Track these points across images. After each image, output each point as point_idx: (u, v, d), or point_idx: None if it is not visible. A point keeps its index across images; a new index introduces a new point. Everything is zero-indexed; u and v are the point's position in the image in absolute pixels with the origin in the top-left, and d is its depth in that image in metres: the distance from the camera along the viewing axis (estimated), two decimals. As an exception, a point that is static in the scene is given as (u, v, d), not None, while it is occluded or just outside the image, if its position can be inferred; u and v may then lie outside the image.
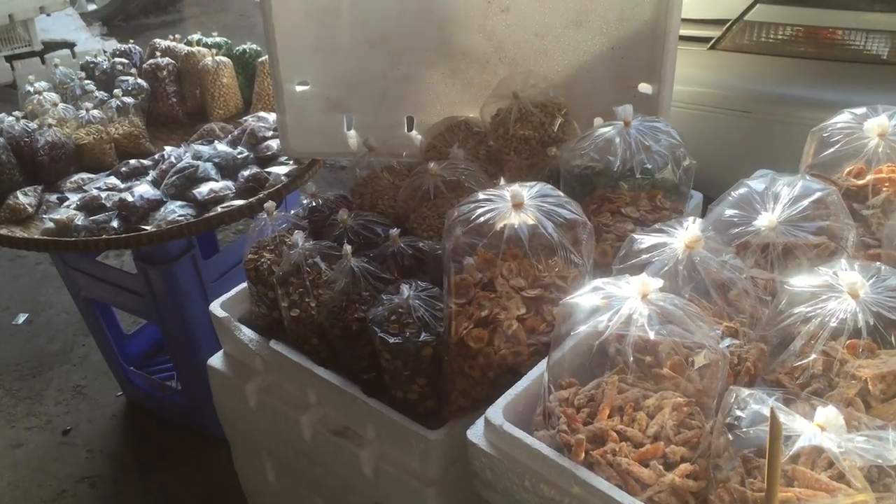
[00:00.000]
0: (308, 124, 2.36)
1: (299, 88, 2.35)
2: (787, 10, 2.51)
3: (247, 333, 1.87)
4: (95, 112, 2.60)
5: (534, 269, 1.54)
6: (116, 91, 2.69)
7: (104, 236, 2.17)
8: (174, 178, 2.36)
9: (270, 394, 1.85)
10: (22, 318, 3.51)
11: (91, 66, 2.92)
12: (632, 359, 1.25)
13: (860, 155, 1.58)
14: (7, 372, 3.22)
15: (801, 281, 1.26)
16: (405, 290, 1.61)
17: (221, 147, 2.50)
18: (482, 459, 1.34)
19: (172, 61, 2.86)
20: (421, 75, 2.33)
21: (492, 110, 2.17)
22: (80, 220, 2.24)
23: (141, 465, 2.77)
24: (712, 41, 2.61)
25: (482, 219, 1.45)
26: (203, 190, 2.32)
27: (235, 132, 2.62)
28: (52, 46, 5.98)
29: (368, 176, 2.17)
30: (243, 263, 1.90)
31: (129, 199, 2.28)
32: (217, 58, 2.81)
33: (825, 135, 1.62)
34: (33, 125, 2.56)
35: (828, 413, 1.01)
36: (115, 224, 2.24)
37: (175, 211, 2.26)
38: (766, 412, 1.08)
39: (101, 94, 2.75)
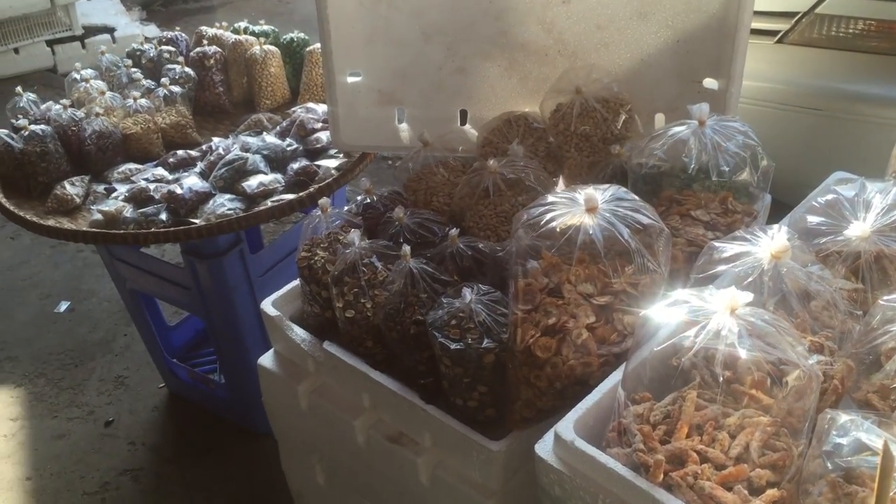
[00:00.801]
0: (359, 117, 2.33)
1: (351, 80, 2.31)
2: (859, 3, 2.42)
3: (299, 333, 1.84)
4: (143, 101, 2.59)
5: (603, 274, 1.49)
6: (164, 80, 2.67)
7: (153, 229, 2.15)
8: (223, 170, 2.34)
9: (323, 396, 1.82)
10: (64, 307, 3.52)
11: (137, 53, 2.91)
12: (719, 377, 1.19)
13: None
14: (49, 361, 3.24)
15: (897, 296, 1.20)
16: (467, 293, 1.56)
17: (270, 139, 2.47)
18: (551, 476, 1.30)
19: (219, 50, 2.83)
20: (476, 68, 2.28)
21: (551, 105, 2.11)
22: (128, 212, 2.23)
23: (183, 459, 2.76)
24: (780, 34, 2.53)
25: (554, 223, 1.40)
26: (252, 183, 2.29)
27: (284, 123, 2.59)
28: (92, 31, 6.01)
29: (422, 171, 2.13)
30: (296, 261, 1.87)
31: (178, 191, 2.26)
32: (265, 47, 2.78)
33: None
34: (80, 114, 2.55)
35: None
36: (163, 217, 2.22)
37: (224, 204, 2.23)
38: (868, 440, 1.03)
39: (147, 83, 2.73)
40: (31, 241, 3.93)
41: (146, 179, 2.39)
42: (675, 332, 1.16)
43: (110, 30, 6.05)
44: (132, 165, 2.49)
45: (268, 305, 1.89)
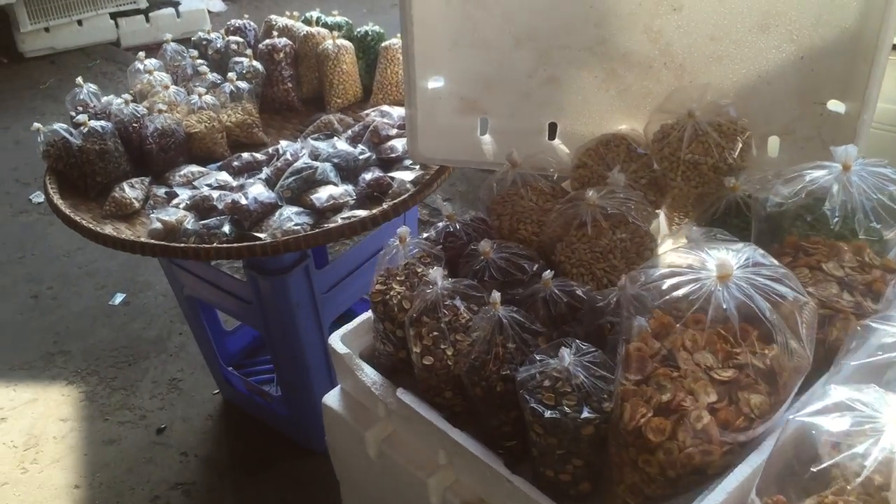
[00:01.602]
0: (439, 125, 2.16)
1: (431, 85, 2.14)
2: None
3: (370, 375, 1.69)
4: (208, 98, 2.45)
5: (723, 341, 1.30)
6: (230, 74, 2.53)
7: (215, 244, 2.02)
8: (290, 179, 2.19)
9: (393, 446, 1.67)
10: (119, 299, 3.45)
11: (203, 43, 2.77)
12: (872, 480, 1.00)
13: None
14: (102, 358, 3.16)
15: None
16: (566, 355, 1.39)
17: (341, 145, 2.31)
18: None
19: (290, 42, 2.68)
20: (570, 77, 2.09)
21: (655, 126, 1.91)
22: (189, 222, 2.09)
23: (237, 474, 2.66)
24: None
25: (679, 292, 1.21)
26: (322, 195, 2.14)
27: (356, 128, 2.43)
28: (156, 4, 5.92)
29: (507, 194, 1.95)
30: (370, 294, 1.71)
31: (243, 201, 2.12)
32: (338, 41, 2.62)
33: None
34: (143, 109, 2.42)
35: None
36: (226, 229, 2.08)
37: (291, 218, 2.09)
38: None
39: (213, 77, 2.60)
40: (89, 227, 3.87)
41: (209, 185, 2.26)
42: (838, 443, 0.97)
43: (175, 3, 5.96)
44: (195, 168, 2.36)
45: (336, 341, 1.74)
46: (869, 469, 0.95)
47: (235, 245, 2.00)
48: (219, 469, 2.68)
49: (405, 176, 2.24)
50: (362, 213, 2.11)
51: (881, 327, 1.14)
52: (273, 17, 2.86)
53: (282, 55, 2.65)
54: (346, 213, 2.12)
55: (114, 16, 5.84)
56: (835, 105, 1.89)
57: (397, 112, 2.46)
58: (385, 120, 2.41)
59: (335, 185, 2.22)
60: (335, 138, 2.42)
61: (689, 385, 1.29)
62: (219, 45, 2.70)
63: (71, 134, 2.34)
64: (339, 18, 2.80)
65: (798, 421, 1.03)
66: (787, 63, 1.90)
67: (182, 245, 2.01)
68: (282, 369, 2.52)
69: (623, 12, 1.97)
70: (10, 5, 5.45)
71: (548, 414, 1.36)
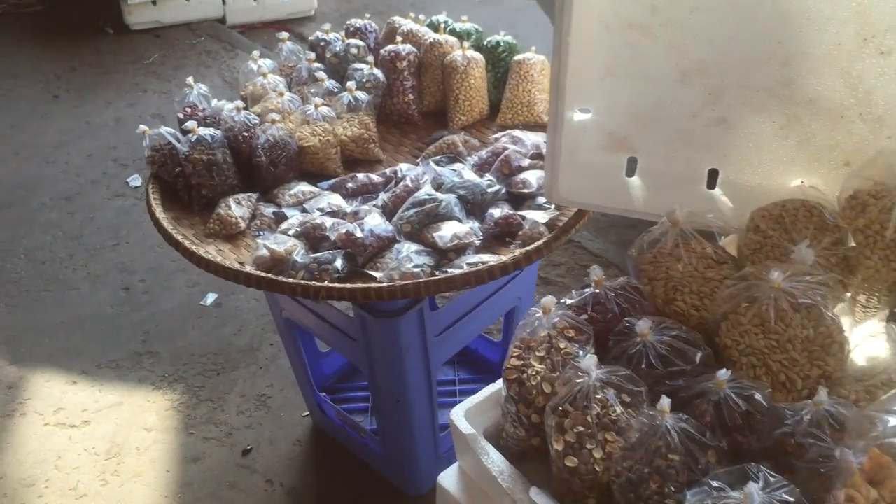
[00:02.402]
0: (580, 162, 1.93)
1: (577, 117, 1.90)
2: None
3: (497, 462, 1.48)
4: (325, 109, 2.26)
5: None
6: (350, 84, 2.33)
7: (327, 283, 1.83)
8: (411, 212, 1.98)
9: (520, 549, 1.45)
10: (211, 299, 3.32)
11: (321, 44, 2.58)
12: None
13: None
14: (191, 363, 3.04)
15: None
16: (754, 494, 1.14)
17: (468, 175, 2.09)
18: None
19: (414, 50, 2.47)
20: (743, 120, 1.83)
21: (849, 191, 1.63)
22: (299, 254, 1.91)
23: (323, 512, 2.50)
24: None
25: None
26: (445, 234, 1.93)
27: (483, 153, 2.20)
28: (265, -16, 5.79)
29: (661, 254, 1.71)
30: (504, 369, 1.50)
31: (358, 234, 1.92)
32: (468, 53, 2.39)
33: None
34: (255, 118, 2.25)
35: None
36: (338, 264, 1.89)
37: (411, 258, 1.88)
38: None
39: (330, 84, 2.40)
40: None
41: (321, 210, 2.07)
42: None
43: (284, -18, 5.83)
44: (305, 187, 2.18)
45: (460, 418, 1.53)
46: None
47: (349, 286, 1.81)
48: (305, 503, 2.52)
49: (538, 216, 2.00)
50: (490, 258, 1.89)
51: None
52: (397, 18, 2.65)
53: (405, 63, 2.44)
54: (471, 258, 1.90)
55: (221, -9, 5.75)
56: None
57: (531, 139, 2.23)
58: (517, 148, 2.18)
59: (459, 220, 2.00)
60: (460, 164, 2.20)
61: (920, 560, 1.04)
62: (338, 49, 2.50)
63: (178, 139, 2.19)
64: (468, 25, 2.57)
65: None
66: None
67: (290, 281, 1.83)
68: (382, 409, 2.33)
69: (817, 52, 1.69)
70: (120, -24, 5.41)
71: (729, 567, 1.12)
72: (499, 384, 1.63)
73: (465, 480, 1.58)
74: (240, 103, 2.25)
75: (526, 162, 2.15)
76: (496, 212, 2.03)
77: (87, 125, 4.58)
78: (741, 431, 1.35)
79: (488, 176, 2.14)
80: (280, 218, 2.11)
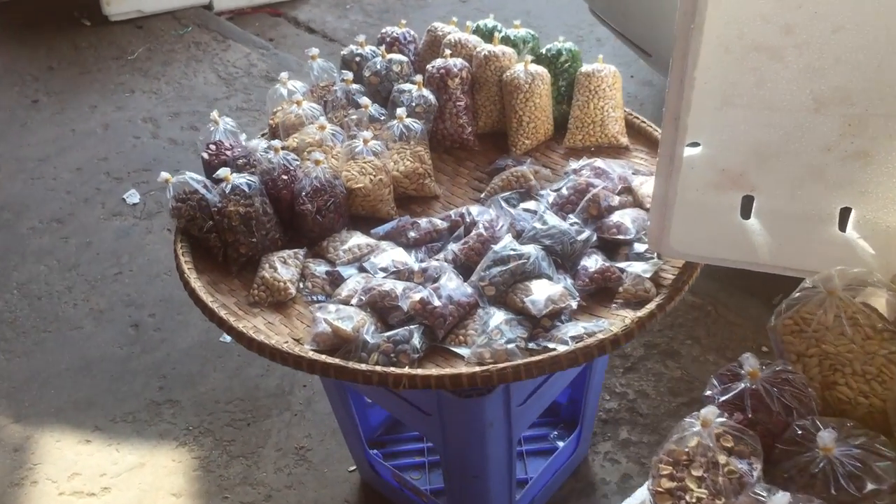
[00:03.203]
0: (689, 205, 1.66)
1: (686, 152, 1.63)
2: None
3: None
4: (375, 143, 1.96)
5: None
6: (400, 111, 2.03)
7: (407, 370, 1.56)
8: (494, 271, 1.71)
9: None
10: (231, 335, 3.03)
11: (356, 60, 2.27)
12: None
13: None
14: (216, 413, 2.77)
15: None
16: None
17: (552, 219, 1.82)
18: None
19: (466, 65, 2.17)
20: (888, 154, 1.56)
21: None
22: (369, 331, 1.64)
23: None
24: None
25: None
26: (538, 298, 1.66)
27: (564, 190, 1.93)
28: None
29: (804, 318, 1.46)
30: (652, 493, 1.25)
31: (435, 302, 1.65)
32: (531, 67, 2.10)
33: None
34: (293, 157, 1.95)
35: None
36: (416, 342, 1.63)
37: (501, 331, 1.61)
38: None
39: (375, 111, 2.11)
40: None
41: (384, 270, 1.79)
42: None
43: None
44: (361, 239, 1.89)
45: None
46: None
47: (435, 374, 1.54)
48: (362, 577, 2.28)
49: (640, 269, 1.74)
50: (594, 327, 1.62)
51: None
52: (439, 26, 2.34)
53: (457, 81, 2.14)
54: (572, 326, 1.63)
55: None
56: None
57: (616, 171, 1.95)
58: (605, 182, 1.90)
59: (549, 278, 1.73)
60: (534, 203, 1.92)
61: None
62: (378, 67, 2.19)
63: (208, 189, 1.89)
64: (522, 32, 2.27)
65: None
66: None
67: (365, 369, 1.56)
68: (455, 483, 2.07)
69: None
70: (95, -38, 5.01)
71: None
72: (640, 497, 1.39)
73: None
74: (277, 143, 1.94)
75: (616, 200, 1.88)
76: (590, 264, 1.76)
77: (72, 134, 4.23)
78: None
79: (572, 218, 1.87)
80: (335, 279, 1.83)
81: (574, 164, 2.03)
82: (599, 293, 1.76)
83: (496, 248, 1.76)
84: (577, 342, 1.58)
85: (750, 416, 1.32)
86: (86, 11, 5.23)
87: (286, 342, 1.68)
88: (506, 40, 2.25)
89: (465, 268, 1.83)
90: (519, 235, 1.84)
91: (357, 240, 1.90)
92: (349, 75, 2.18)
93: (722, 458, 1.26)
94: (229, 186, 1.86)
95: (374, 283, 1.74)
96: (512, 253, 1.73)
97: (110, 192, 3.81)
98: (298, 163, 1.96)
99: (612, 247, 1.83)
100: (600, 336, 1.58)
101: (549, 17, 5.01)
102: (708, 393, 1.39)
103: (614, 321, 1.67)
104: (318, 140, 2.02)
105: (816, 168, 1.61)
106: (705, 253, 1.68)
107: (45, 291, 3.30)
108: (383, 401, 2.03)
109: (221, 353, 2.99)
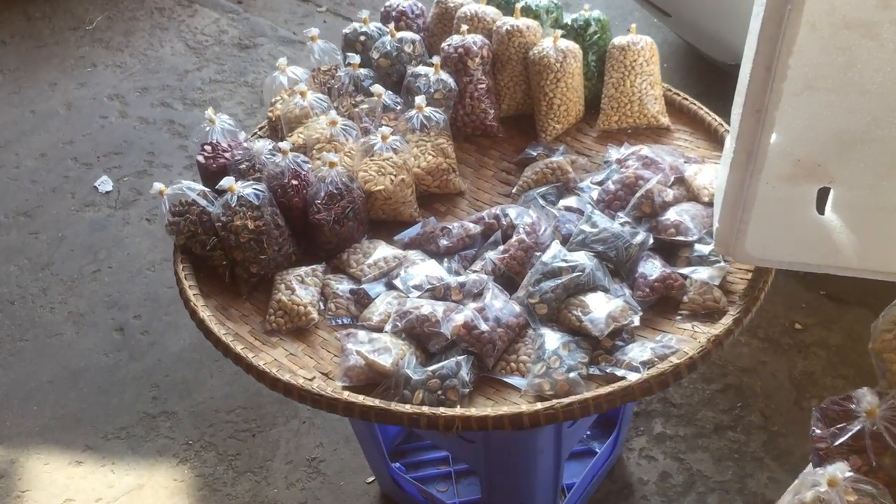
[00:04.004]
0: (760, 199, 1.48)
1: (755, 142, 1.45)
2: None
3: None
4: (395, 140, 1.75)
5: None
6: (418, 99, 1.81)
7: (459, 410, 1.38)
8: (546, 286, 1.53)
9: None
10: (226, 336, 2.83)
11: (359, 38, 2.04)
12: None
13: None
14: (217, 424, 2.58)
15: None
16: None
17: (602, 221, 1.63)
18: None
19: (487, 42, 1.95)
20: None
21: None
22: (410, 365, 1.45)
23: None
24: None
25: None
26: (598, 316, 1.48)
27: (609, 182, 1.73)
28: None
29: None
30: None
31: (482, 327, 1.47)
32: (561, 44, 1.89)
33: None
34: (304, 159, 1.74)
35: None
36: (465, 374, 1.44)
37: (560, 357, 1.44)
38: None
39: (390, 99, 1.89)
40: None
41: (418, 288, 1.59)
42: None
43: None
44: (386, 250, 1.70)
45: None
46: None
47: (492, 414, 1.36)
48: None
49: (705, 274, 1.56)
50: (662, 349, 1.45)
51: None
52: (449, -6, 2.11)
53: (477, 61, 1.93)
54: (639, 348, 1.46)
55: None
56: None
57: (667, 158, 1.76)
58: (655, 175, 1.71)
59: (605, 290, 1.55)
60: (581, 202, 1.73)
61: None
62: (388, 48, 1.96)
63: (209, 199, 1.67)
64: (546, 2, 2.05)
65: None
66: None
67: (410, 411, 1.37)
68: (495, 505, 1.91)
69: None
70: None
71: None
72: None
73: None
74: (285, 144, 1.71)
75: (670, 195, 1.69)
76: (649, 271, 1.58)
77: (32, 115, 3.93)
78: None
79: (622, 217, 1.68)
80: (361, 298, 1.63)
81: (615, 152, 1.83)
82: (660, 302, 1.58)
83: (544, 258, 1.57)
84: (647, 367, 1.41)
85: (873, 463, 1.16)
86: (35, -23, 4.87)
87: (314, 378, 1.49)
88: (526, 11, 2.03)
89: (505, 278, 1.64)
90: (565, 240, 1.65)
91: (382, 251, 1.69)
92: (356, 58, 1.95)
93: (848, 518, 1.10)
94: (234, 197, 1.64)
95: (410, 306, 1.54)
96: (564, 264, 1.55)
97: (80, 180, 3.54)
98: (309, 165, 1.74)
99: (669, 248, 1.65)
100: (674, 360, 1.41)
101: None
102: (816, 433, 1.23)
103: (682, 337, 1.50)
104: (328, 136, 1.80)
105: (906, 156, 1.44)
106: (784, 257, 1.51)
107: (17, 295, 3.06)
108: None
109: (217, 357, 2.77)
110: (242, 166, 1.76)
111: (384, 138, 1.74)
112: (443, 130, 1.85)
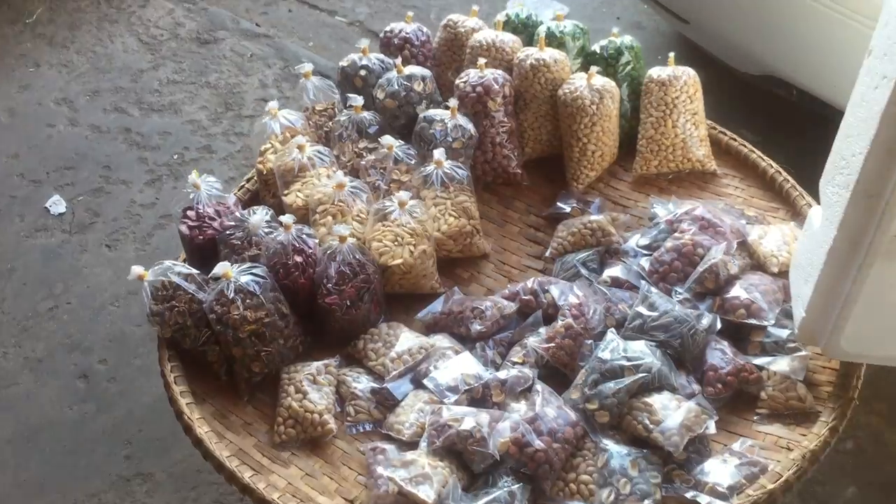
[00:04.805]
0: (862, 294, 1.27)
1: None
2: None
3: None
4: (414, 205, 1.51)
5: None
6: (437, 153, 1.57)
7: (521, 557, 1.17)
8: (605, 388, 1.32)
9: None
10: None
11: (359, 73, 1.78)
12: None
13: None
14: (200, 487, 2.33)
15: None
16: None
17: (662, 303, 1.42)
18: None
19: (508, 78, 1.71)
20: None
21: None
22: (455, 497, 1.23)
23: None
24: None
25: None
26: (670, 426, 1.28)
27: (657, 245, 1.52)
28: None
29: None
30: None
31: (535, 444, 1.26)
32: (597, 82, 1.66)
33: None
34: (308, 231, 1.49)
35: None
36: (517, 495, 1.23)
37: (628, 476, 1.24)
38: None
39: (402, 151, 1.64)
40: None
41: (453, 391, 1.37)
42: None
43: None
44: (410, 340, 1.47)
45: None
46: None
47: (561, 562, 1.15)
48: None
49: (784, 366, 1.36)
50: (749, 467, 1.25)
51: None
52: (456, 18, 1.85)
53: (499, 102, 1.69)
54: (718, 469, 1.26)
55: None
56: None
57: (726, 219, 1.54)
58: (713, 241, 1.49)
59: (672, 389, 1.34)
60: (629, 273, 1.51)
61: None
62: (395, 87, 1.71)
63: (199, 285, 1.42)
64: (567, 25, 1.81)
65: None
66: None
67: (464, 562, 1.16)
68: None
69: None
70: None
71: None
72: None
73: None
74: (288, 219, 1.46)
75: (735, 267, 1.48)
76: (718, 361, 1.38)
77: (-30, 124, 3.57)
78: None
79: (679, 292, 1.47)
80: (385, 398, 1.41)
81: (662, 208, 1.62)
82: (732, 396, 1.38)
83: (602, 354, 1.35)
84: (736, 494, 1.21)
85: None
86: (-35, -38, 4.45)
87: (342, 516, 1.27)
88: (550, 37, 1.79)
89: (548, 367, 1.43)
90: (618, 324, 1.44)
91: (405, 341, 1.46)
92: (359, 100, 1.69)
93: None
94: (230, 285, 1.39)
95: (448, 418, 1.31)
96: (626, 363, 1.33)
97: (29, 200, 3.21)
98: (315, 239, 1.49)
99: (735, 327, 1.44)
100: (766, 484, 1.22)
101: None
102: None
103: (763, 444, 1.30)
104: (328, 196, 1.54)
105: None
106: (887, 352, 1.31)
107: (-36, 339, 2.76)
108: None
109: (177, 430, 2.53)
110: (235, 240, 1.50)
111: (402, 205, 1.50)
112: (466, 187, 1.61)
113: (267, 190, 1.69)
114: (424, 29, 1.88)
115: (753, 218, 1.60)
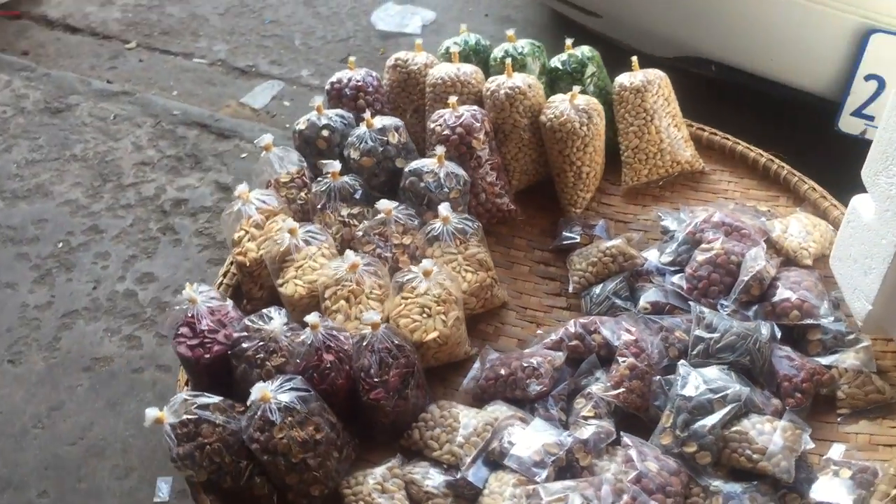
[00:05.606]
0: None
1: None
2: None
3: None
4: (444, 279, 1.38)
5: None
6: (442, 209, 1.45)
7: None
8: (697, 426, 1.26)
9: None
10: (165, 490, 2.33)
11: (321, 134, 1.63)
12: None
13: None
14: None
15: None
16: None
17: (715, 319, 1.37)
18: None
19: (485, 113, 1.61)
20: None
21: None
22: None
23: None
24: None
25: None
26: (775, 450, 1.23)
27: (684, 260, 1.47)
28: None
29: None
30: None
31: (654, 506, 1.17)
32: (580, 102, 1.59)
33: None
34: (334, 328, 1.34)
35: None
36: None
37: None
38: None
39: (401, 215, 1.50)
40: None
41: (540, 465, 1.26)
42: None
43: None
44: (471, 417, 1.35)
45: None
46: None
47: None
48: None
49: (852, 360, 1.35)
50: (860, 475, 1.22)
51: None
52: (405, 56, 1.73)
53: (482, 139, 1.59)
54: (832, 486, 1.22)
55: None
56: None
57: (746, 219, 1.51)
58: (741, 244, 1.45)
59: (759, 410, 1.30)
60: (667, 294, 1.46)
61: None
62: (369, 143, 1.56)
63: (227, 415, 1.25)
64: (522, 44, 1.72)
65: None
66: None
67: None
68: None
69: None
70: None
71: None
72: None
73: None
74: (314, 318, 1.30)
75: (772, 269, 1.45)
76: (789, 370, 1.35)
77: None
78: None
79: (726, 304, 1.43)
80: (464, 490, 1.28)
81: (672, 220, 1.57)
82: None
83: (683, 391, 1.29)
84: (863, 506, 1.18)
85: None
86: None
87: None
88: (512, 61, 1.70)
89: (617, 413, 1.35)
90: (681, 354, 1.38)
91: (466, 421, 1.34)
92: (335, 166, 1.54)
93: None
94: (272, 408, 1.22)
95: (550, 499, 1.21)
96: (713, 395, 1.27)
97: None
98: (346, 332, 1.34)
99: (787, 329, 1.41)
100: (887, 489, 1.19)
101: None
102: None
103: (858, 445, 1.28)
104: (344, 279, 1.40)
105: None
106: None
107: None
108: None
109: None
110: (252, 351, 1.33)
111: (427, 274, 1.37)
112: (480, 241, 1.51)
113: (253, 283, 1.51)
114: (374, 73, 1.75)
115: (769, 213, 1.58)
